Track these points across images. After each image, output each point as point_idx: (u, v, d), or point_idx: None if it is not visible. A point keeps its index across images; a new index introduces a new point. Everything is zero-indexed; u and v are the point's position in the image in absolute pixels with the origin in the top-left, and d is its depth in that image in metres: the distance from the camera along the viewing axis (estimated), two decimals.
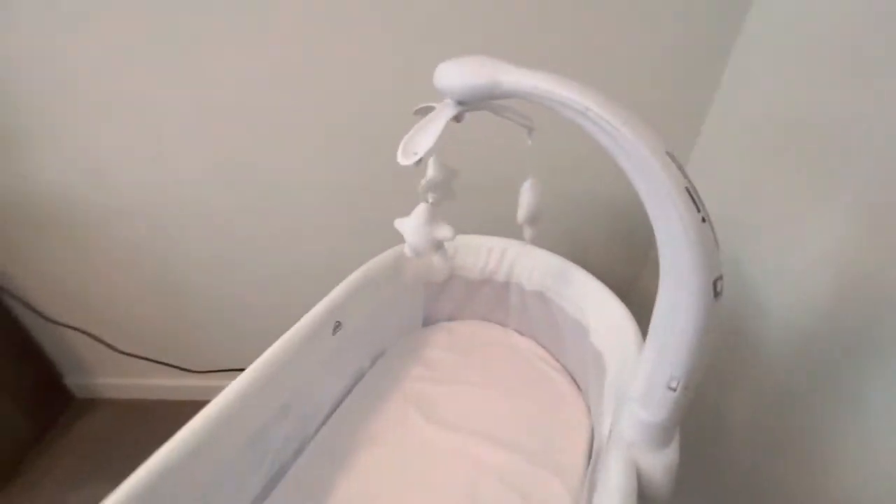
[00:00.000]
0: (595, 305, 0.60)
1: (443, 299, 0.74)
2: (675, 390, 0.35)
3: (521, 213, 0.36)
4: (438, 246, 0.38)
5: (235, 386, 0.44)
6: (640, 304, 1.07)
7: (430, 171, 0.43)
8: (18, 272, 0.90)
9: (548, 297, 0.67)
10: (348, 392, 0.65)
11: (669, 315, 0.32)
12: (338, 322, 0.56)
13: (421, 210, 0.37)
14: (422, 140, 0.33)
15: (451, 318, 0.77)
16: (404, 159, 0.32)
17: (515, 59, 0.31)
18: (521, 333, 0.75)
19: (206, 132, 0.73)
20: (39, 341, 1.02)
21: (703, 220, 0.28)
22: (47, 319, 0.94)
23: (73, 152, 0.76)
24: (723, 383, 0.62)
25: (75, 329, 0.96)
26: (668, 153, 0.28)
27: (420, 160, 0.33)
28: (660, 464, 0.38)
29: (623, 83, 0.66)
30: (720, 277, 0.30)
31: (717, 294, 0.30)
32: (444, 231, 0.37)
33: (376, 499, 0.53)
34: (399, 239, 0.63)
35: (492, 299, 0.73)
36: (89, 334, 0.96)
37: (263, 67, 0.67)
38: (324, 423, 0.60)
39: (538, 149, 0.42)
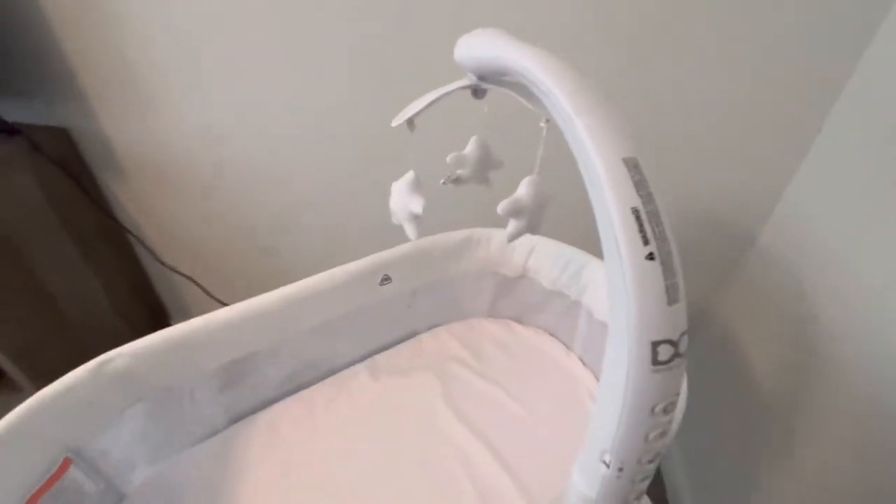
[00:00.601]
0: None
1: (513, 296, 0.71)
2: (607, 466, 0.28)
3: (505, 203, 0.32)
4: (411, 217, 0.37)
5: (269, 296, 0.53)
6: (714, 335, 0.85)
7: (469, 147, 0.42)
8: (143, 220, 1.06)
9: None
10: (386, 348, 0.69)
11: (609, 373, 0.25)
12: (386, 276, 0.60)
13: (405, 176, 0.37)
14: (416, 104, 0.33)
15: (518, 319, 0.74)
16: (395, 121, 0.33)
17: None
18: (585, 364, 0.67)
19: (305, 91, 0.80)
20: (154, 283, 1.17)
21: (651, 256, 0.21)
22: (163, 264, 1.06)
23: (189, 116, 0.87)
24: None
25: (185, 276, 1.07)
26: (626, 160, 0.22)
27: (411, 124, 0.33)
28: None
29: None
30: (671, 342, 0.22)
31: (660, 362, 0.22)
32: (415, 204, 0.36)
33: (344, 457, 0.56)
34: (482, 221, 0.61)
35: (561, 314, 0.67)
36: (196, 283, 1.08)
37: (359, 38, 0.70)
38: (343, 367, 0.66)
39: None
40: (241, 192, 0.96)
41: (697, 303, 0.89)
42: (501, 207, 0.33)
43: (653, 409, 0.24)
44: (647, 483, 0.28)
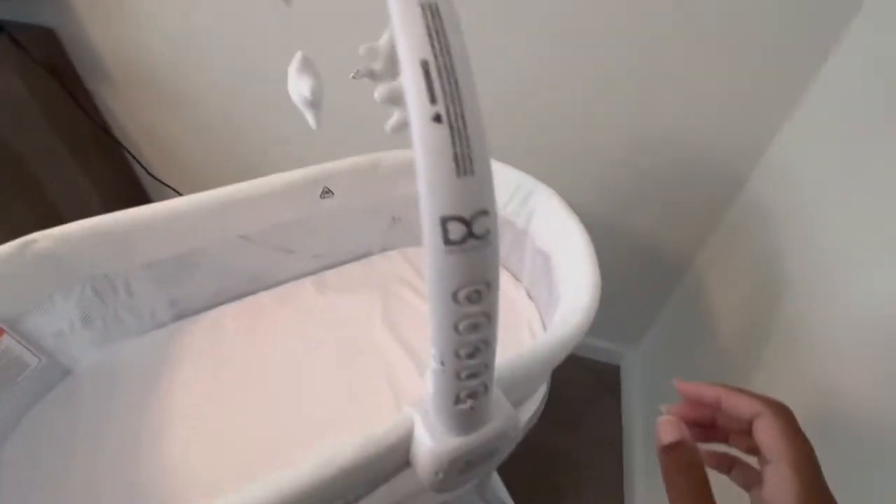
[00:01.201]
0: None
1: None
2: (434, 361, 0.27)
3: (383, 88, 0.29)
4: (308, 103, 0.35)
5: (204, 195, 0.53)
6: (692, 291, 0.84)
7: (383, 38, 0.38)
8: (134, 131, 1.08)
9: (551, 266, 0.55)
10: (337, 266, 0.70)
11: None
12: (327, 188, 0.59)
13: (294, 58, 0.34)
14: None
15: None
16: None
17: None
18: (531, 298, 0.65)
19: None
20: (148, 193, 1.21)
21: (438, 118, 0.19)
22: (152, 176, 1.11)
23: (182, 32, 0.87)
24: None
25: (170, 187, 1.12)
26: (425, 4, 0.19)
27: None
28: (427, 446, 0.31)
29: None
30: (462, 219, 0.20)
31: (452, 241, 0.21)
32: (304, 86, 0.34)
33: (276, 360, 0.58)
34: None
35: (509, 245, 0.64)
36: (179, 193, 1.05)
37: None
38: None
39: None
40: (229, 102, 0.95)
41: (686, 243, 0.86)
42: (379, 93, 0.30)
43: (455, 296, 0.22)
44: (478, 382, 0.28)
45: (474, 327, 0.24)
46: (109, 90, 1.01)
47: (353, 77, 0.40)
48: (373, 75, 0.41)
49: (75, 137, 1.01)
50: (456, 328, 0.24)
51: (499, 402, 0.33)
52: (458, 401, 0.29)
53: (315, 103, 0.35)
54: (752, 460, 0.28)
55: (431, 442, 0.31)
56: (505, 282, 0.68)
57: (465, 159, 0.19)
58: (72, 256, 0.49)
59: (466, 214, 0.20)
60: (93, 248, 0.50)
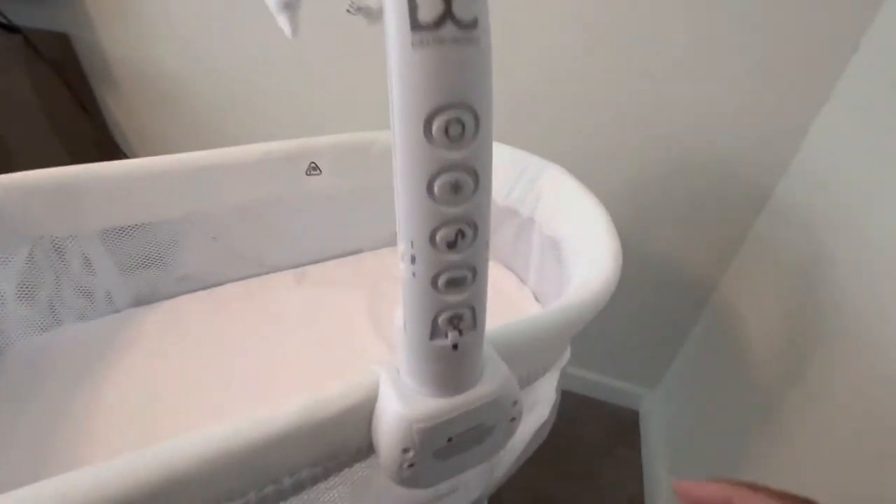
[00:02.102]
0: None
1: None
2: (401, 261, 0.20)
3: None
4: (283, 4, 0.30)
5: (169, 157, 0.48)
6: (717, 317, 0.74)
7: None
8: (133, 139, 1.05)
9: (563, 256, 0.48)
10: (323, 261, 0.63)
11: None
12: (314, 164, 0.54)
13: None
14: None
15: None
16: None
17: None
18: (538, 300, 0.57)
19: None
20: None
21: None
22: None
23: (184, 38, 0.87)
24: None
25: None
26: None
27: None
28: (394, 409, 0.23)
29: None
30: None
31: (423, 25, 0.14)
32: None
33: (239, 352, 0.51)
34: None
35: (514, 238, 0.58)
36: None
37: None
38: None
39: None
40: (227, 110, 0.94)
41: (708, 264, 0.78)
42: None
43: (428, 125, 0.16)
44: (462, 299, 0.20)
45: (456, 188, 0.17)
46: (114, 95, 1.01)
47: (348, 11, 0.36)
48: (368, 12, 0.37)
49: (75, 140, 1.00)
50: (430, 188, 0.17)
51: (491, 361, 0.25)
52: (435, 331, 0.21)
53: (291, 5, 0.31)
54: None
55: (400, 403, 0.23)
56: (508, 282, 0.60)
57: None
58: (12, 210, 0.43)
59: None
60: (40, 201, 0.44)
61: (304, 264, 0.62)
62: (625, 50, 0.63)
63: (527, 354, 0.29)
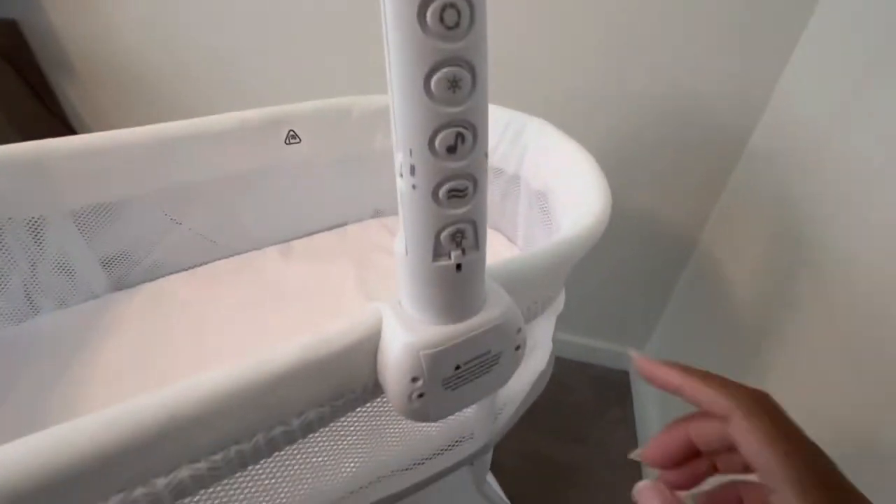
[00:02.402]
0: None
1: None
2: (400, 176, 0.19)
3: None
4: None
5: (142, 129, 0.46)
6: (700, 269, 0.76)
7: None
8: (91, 121, 0.99)
9: (550, 205, 0.48)
10: (302, 236, 0.62)
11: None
12: (293, 132, 0.52)
13: None
14: None
15: None
16: None
17: None
18: None
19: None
20: None
21: None
22: None
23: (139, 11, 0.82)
24: None
25: None
26: None
27: None
28: (400, 339, 0.22)
29: None
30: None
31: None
32: None
33: (226, 328, 0.50)
34: None
35: (501, 198, 0.57)
36: None
37: None
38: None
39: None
40: (193, 93, 0.90)
41: (689, 217, 0.79)
42: None
43: (422, 12, 0.15)
44: (463, 212, 0.20)
45: (454, 84, 0.16)
46: (70, 80, 0.96)
47: None
48: None
49: (33, 131, 0.95)
50: (427, 84, 0.16)
51: (493, 290, 0.25)
52: (438, 249, 0.20)
53: None
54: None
55: (405, 332, 0.22)
56: (497, 243, 0.60)
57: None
58: None
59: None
60: (8, 180, 0.42)
61: (289, 239, 0.61)
62: (603, 3, 0.62)
63: (525, 286, 0.29)
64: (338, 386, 0.24)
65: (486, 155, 0.19)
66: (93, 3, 0.84)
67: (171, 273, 0.55)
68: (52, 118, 0.96)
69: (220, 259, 0.57)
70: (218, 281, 0.55)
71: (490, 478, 0.69)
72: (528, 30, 0.66)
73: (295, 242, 0.61)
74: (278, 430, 0.23)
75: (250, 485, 0.25)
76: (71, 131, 1.00)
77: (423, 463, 0.37)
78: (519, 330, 0.25)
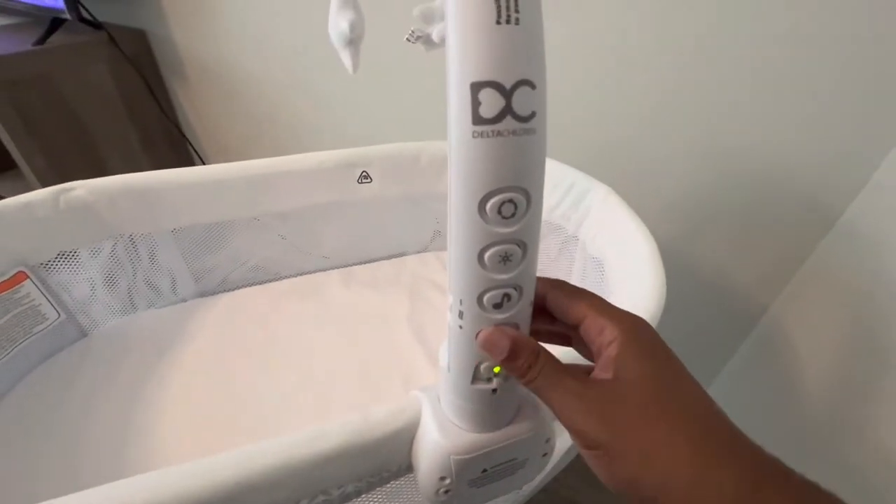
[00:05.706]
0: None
1: None
2: (450, 312, 0.21)
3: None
4: (347, 41, 0.32)
5: (233, 166, 0.52)
6: (764, 342, 0.69)
7: None
8: (199, 131, 1.14)
9: (606, 278, 0.48)
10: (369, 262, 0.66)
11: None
12: (365, 173, 0.56)
13: None
14: None
15: None
16: None
17: None
18: None
19: None
20: None
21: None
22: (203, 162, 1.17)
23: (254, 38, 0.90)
24: None
25: None
26: None
27: None
28: (434, 439, 0.24)
29: None
30: (498, 85, 0.15)
31: (484, 119, 0.15)
32: (344, 21, 0.31)
33: (290, 347, 0.54)
34: None
35: (556, 253, 0.58)
36: None
37: None
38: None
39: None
40: (287, 110, 0.98)
41: (761, 283, 0.74)
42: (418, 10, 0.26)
43: (482, 205, 0.17)
44: None
45: (505, 258, 0.18)
46: (184, 88, 1.08)
47: (408, 40, 0.37)
48: (428, 42, 0.38)
49: (148, 129, 1.08)
50: (481, 258, 0.18)
51: (528, 402, 0.26)
52: (477, 376, 0.22)
53: (354, 41, 0.32)
54: None
55: (440, 434, 0.24)
56: None
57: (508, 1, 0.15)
58: (104, 209, 0.48)
59: (504, 80, 0.15)
60: (125, 203, 0.49)
61: (351, 264, 0.65)
62: (693, 60, 0.60)
63: None
64: (377, 466, 0.27)
65: (531, 303, 0.21)
66: (213, 23, 0.93)
67: (247, 286, 0.61)
68: (165, 118, 1.08)
69: (287, 278, 0.63)
70: (286, 297, 0.60)
71: None
72: (609, 81, 0.65)
73: (356, 268, 0.65)
74: (320, 499, 0.26)
75: None
76: (178, 130, 1.12)
77: None
78: (548, 440, 0.27)
